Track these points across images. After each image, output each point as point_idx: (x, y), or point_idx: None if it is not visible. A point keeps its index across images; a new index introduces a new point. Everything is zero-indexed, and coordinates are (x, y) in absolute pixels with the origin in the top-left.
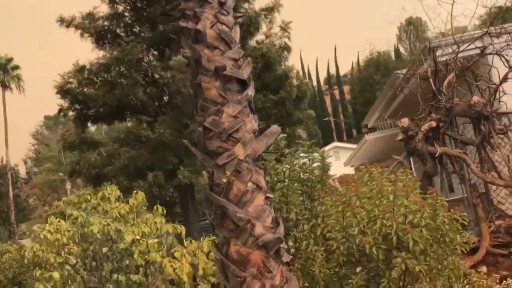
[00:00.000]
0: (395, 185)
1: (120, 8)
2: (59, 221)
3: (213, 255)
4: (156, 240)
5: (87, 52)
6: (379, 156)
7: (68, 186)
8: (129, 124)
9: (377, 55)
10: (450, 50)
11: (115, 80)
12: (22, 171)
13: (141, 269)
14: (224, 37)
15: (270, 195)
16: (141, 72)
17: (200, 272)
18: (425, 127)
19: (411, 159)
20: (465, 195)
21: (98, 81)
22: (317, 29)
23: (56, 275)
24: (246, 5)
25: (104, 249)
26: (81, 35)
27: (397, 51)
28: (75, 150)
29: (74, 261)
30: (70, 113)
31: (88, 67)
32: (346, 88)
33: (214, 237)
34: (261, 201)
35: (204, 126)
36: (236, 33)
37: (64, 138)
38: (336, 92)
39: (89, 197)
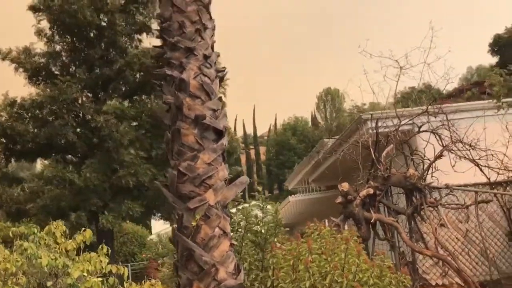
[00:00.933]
0: (347, 244)
1: (58, 47)
2: (4, 250)
3: None
4: (100, 279)
5: (13, 83)
6: (298, 217)
7: None
8: (49, 163)
9: (294, 120)
10: (384, 123)
11: (45, 118)
12: None
13: None
14: (206, 88)
15: (235, 242)
16: (73, 112)
17: None
18: (363, 193)
19: (345, 222)
20: (393, 262)
21: (28, 117)
22: (238, 86)
23: None
24: None
25: (49, 283)
26: (16, 69)
27: (314, 118)
28: None
29: None
30: None
31: (19, 101)
32: (262, 149)
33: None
34: (226, 247)
35: (178, 170)
36: (216, 86)
37: None
38: (252, 152)
39: (35, 230)
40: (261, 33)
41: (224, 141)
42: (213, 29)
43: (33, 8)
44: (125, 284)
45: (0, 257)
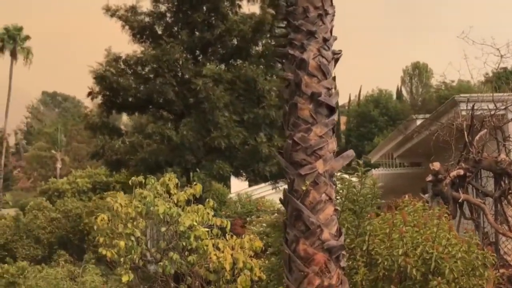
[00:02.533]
0: (439, 219)
1: (163, 8)
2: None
3: (247, 251)
4: (206, 229)
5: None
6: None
7: (59, 165)
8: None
9: (378, 92)
10: (479, 106)
11: (147, 75)
12: (11, 142)
13: (186, 252)
14: (323, 68)
15: (338, 208)
16: (173, 72)
17: (240, 265)
18: (453, 173)
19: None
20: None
21: (130, 72)
22: None
23: (122, 243)
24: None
25: (163, 229)
26: (122, 26)
27: (399, 92)
28: (96, 132)
29: (139, 234)
30: (99, 98)
31: (123, 57)
32: (342, 119)
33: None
34: (331, 212)
35: (293, 140)
36: (332, 66)
37: (87, 118)
38: None
39: (153, 181)
40: (349, 4)
41: (335, 117)
42: (333, 14)
43: None
44: (227, 236)
45: (122, 202)
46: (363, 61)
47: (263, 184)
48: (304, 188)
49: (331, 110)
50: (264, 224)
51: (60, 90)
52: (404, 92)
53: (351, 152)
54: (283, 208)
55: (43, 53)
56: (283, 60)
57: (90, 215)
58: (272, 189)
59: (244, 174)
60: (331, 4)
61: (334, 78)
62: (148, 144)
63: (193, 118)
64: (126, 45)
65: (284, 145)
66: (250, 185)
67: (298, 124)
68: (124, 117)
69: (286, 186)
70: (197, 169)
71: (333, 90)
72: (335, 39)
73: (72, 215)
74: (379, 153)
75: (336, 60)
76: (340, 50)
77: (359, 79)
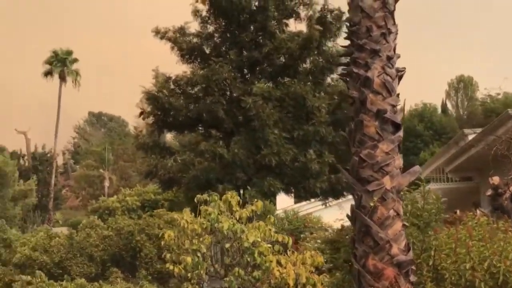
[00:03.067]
0: (506, 233)
1: (211, 28)
2: (191, 213)
3: (309, 266)
4: (269, 245)
5: (141, 55)
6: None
7: (106, 183)
8: (195, 136)
9: (422, 106)
10: None
11: (197, 94)
12: (59, 162)
13: (249, 268)
14: (387, 86)
15: (406, 223)
16: (222, 91)
17: (303, 280)
18: None
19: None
20: None
21: (180, 92)
22: None
23: (188, 259)
24: (330, 44)
25: (227, 245)
26: (172, 48)
27: (444, 106)
28: (147, 151)
29: (204, 250)
30: (150, 117)
31: (173, 78)
32: None
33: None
34: (399, 227)
35: (359, 157)
36: (396, 84)
37: (138, 138)
38: None
39: (216, 198)
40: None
41: (401, 133)
42: (396, 33)
43: None
44: (288, 252)
45: (188, 219)
46: (406, 75)
47: (312, 201)
48: (372, 204)
49: (397, 126)
50: (319, 241)
51: (105, 110)
52: (449, 106)
53: (417, 168)
54: (334, 225)
55: (88, 74)
56: (347, 79)
57: (141, 232)
58: (322, 205)
59: (294, 190)
60: (394, 23)
61: (398, 95)
62: (199, 162)
63: (243, 136)
64: (171, 65)
65: (351, 162)
66: (296, 202)
67: (364, 141)
68: (168, 136)
69: (352, 202)
70: (248, 187)
71: (398, 107)
72: (399, 56)
73: (124, 233)
74: (429, 168)
75: (400, 77)
76: (404, 68)
77: (402, 93)
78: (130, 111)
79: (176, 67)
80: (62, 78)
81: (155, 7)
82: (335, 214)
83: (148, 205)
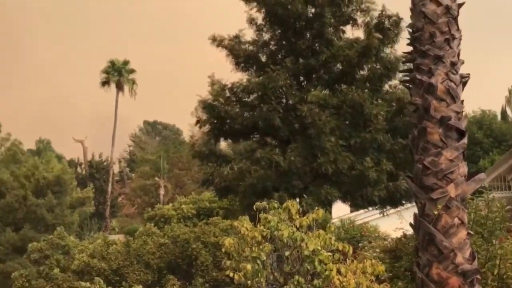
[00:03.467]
0: None
1: (267, 36)
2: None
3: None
4: (329, 253)
5: (193, 63)
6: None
7: (162, 191)
8: (250, 143)
9: (481, 114)
10: None
11: (253, 102)
12: (115, 170)
13: (309, 276)
14: (451, 92)
15: (470, 232)
16: (279, 99)
17: None
18: None
19: None
20: None
21: (235, 100)
22: None
23: (248, 267)
24: (388, 50)
25: (286, 253)
26: (227, 55)
27: (504, 112)
28: (203, 160)
29: (264, 258)
30: (207, 126)
31: (229, 86)
32: None
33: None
34: (464, 236)
35: (423, 164)
36: (460, 90)
37: (194, 147)
38: None
39: (276, 205)
40: None
41: (465, 140)
42: (460, 39)
43: None
44: (347, 261)
45: (248, 227)
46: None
47: (369, 209)
48: (436, 212)
49: (461, 133)
50: (378, 250)
51: (160, 119)
52: (509, 113)
53: (482, 175)
54: (392, 234)
55: (143, 82)
56: (410, 85)
57: (197, 240)
58: (380, 213)
59: (351, 199)
60: (458, 29)
61: (462, 102)
62: (255, 170)
63: (300, 143)
64: (226, 73)
65: (414, 169)
66: (351, 211)
67: (428, 149)
68: (222, 144)
69: (414, 210)
70: (304, 195)
71: (461, 114)
72: (462, 62)
73: (179, 241)
74: (490, 176)
75: (464, 84)
76: (468, 74)
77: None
78: (184, 119)
79: (231, 74)
80: (119, 88)
81: (211, 15)
82: (392, 223)
83: (203, 213)
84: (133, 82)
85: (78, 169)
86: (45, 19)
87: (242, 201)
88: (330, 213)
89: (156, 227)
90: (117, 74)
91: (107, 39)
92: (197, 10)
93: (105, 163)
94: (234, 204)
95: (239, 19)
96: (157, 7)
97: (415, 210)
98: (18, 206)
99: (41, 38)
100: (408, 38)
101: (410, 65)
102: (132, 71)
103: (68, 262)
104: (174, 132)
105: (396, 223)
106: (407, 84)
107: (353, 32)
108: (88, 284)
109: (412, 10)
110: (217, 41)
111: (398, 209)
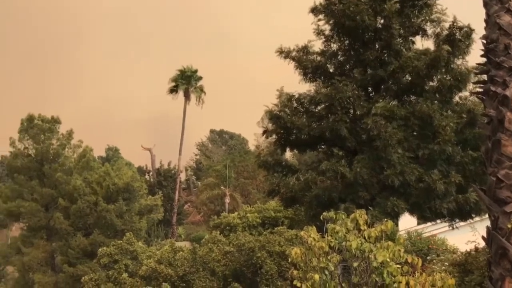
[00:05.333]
0: None
1: (335, 46)
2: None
3: None
4: (398, 266)
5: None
6: None
7: (227, 200)
8: (316, 154)
9: None
10: None
11: (320, 113)
12: (182, 178)
13: None
14: None
15: None
16: (346, 109)
17: None
18: None
19: None
20: None
21: (303, 111)
22: None
23: (316, 277)
24: (459, 61)
25: (355, 264)
26: (296, 67)
27: None
28: (269, 170)
29: (332, 268)
30: (274, 136)
31: (296, 97)
32: None
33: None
34: None
35: (496, 177)
36: None
37: (260, 157)
38: None
39: (343, 216)
40: None
41: None
42: None
43: (315, 10)
44: (416, 274)
45: (315, 237)
46: None
47: (437, 222)
48: (509, 226)
49: None
50: (446, 263)
51: (226, 128)
52: None
53: None
54: (462, 247)
55: (209, 91)
56: (483, 97)
57: (262, 249)
58: (449, 226)
59: (418, 211)
60: None
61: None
62: (321, 181)
63: (367, 154)
64: (292, 84)
65: (488, 182)
66: (418, 223)
67: (502, 161)
68: (287, 155)
69: (488, 224)
70: (370, 207)
71: None
72: None
73: (245, 249)
74: None
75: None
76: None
77: None
78: (249, 129)
79: (297, 85)
80: (187, 96)
81: (278, 26)
82: (460, 236)
83: (268, 222)
84: (201, 90)
85: (147, 176)
86: (113, 27)
87: (308, 212)
88: (397, 225)
89: (221, 235)
90: (186, 83)
91: (174, 47)
92: (266, 21)
93: (172, 171)
94: (299, 214)
95: (306, 30)
96: (226, 17)
97: (487, 223)
98: (89, 212)
99: (104, 45)
100: (482, 50)
101: (483, 77)
102: (199, 79)
103: (136, 267)
104: (240, 141)
105: (465, 236)
106: (480, 96)
107: (422, 43)
108: None
109: (486, 21)
110: (284, 53)
111: (468, 222)
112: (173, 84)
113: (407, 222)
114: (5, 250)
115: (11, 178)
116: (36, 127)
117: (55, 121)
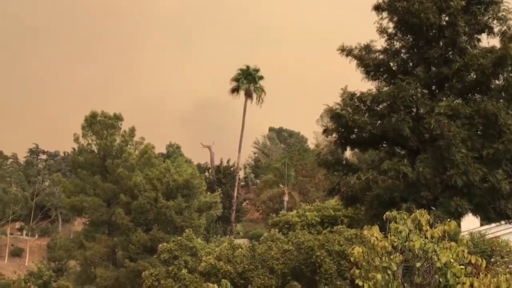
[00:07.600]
0: None
1: (398, 44)
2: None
3: None
4: (461, 266)
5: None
6: None
7: (286, 198)
8: (377, 153)
9: None
10: None
11: (382, 112)
12: (240, 176)
13: None
14: None
15: None
16: (408, 108)
17: None
18: None
19: None
20: None
21: (364, 109)
22: None
23: (378, 276)
24: None
25: (418, 264)
26: (358, 65)
27: None
28: (329, 168)
29: (395, 268)
30: (334, 134)
31: (358, 95)
32: None
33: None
34: None
35: None
36: None
37: (319, 155)
38: None
39: (405, 216)
40: None
41: None
42: None
43: (378, 8)
44: (480, 275)
45: (378, 236)
46: None
47: (502, 223)
48: None
49: None
50: (511, 266)
51: (285, 126)
52: None
53: None
54: None
55: (269, 90)
56: None
57: (321, 248)
58: None
59: (482, 212)
60: None
61: None
62: (383, 180)
63: (429, 154)
64: (353, 82)
65: None
66: (481, 224)
67: None
68: (347, 153)
69: None
70: (432, 207)
71: None
72: None
73: (303, 248)
74: None
75: None
76: None
77: None
78: (308, 127)
79: (359, 83)
80: (248, 95)
81: (340, 24)
82: None
83: (327, 221)
84: (262, 89)
85: (206, 173)
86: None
87: (368, 211)
88: (459, 225)
89: (280, 233)
90: (247, 82)
91: (235, 45)
92: (327, 19)
93: (231, 169)
94: (359, 213)
95: (368, 28)
96: (286, 15)
97: None
98: (149, 208)
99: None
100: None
101: None
102: (261, 78)
103: (196, 263)
104: (299, 139)
105: None
106: None
107: (488, 41)
108: (215, 286)
109: None
110: (346, 51)
111: None
112: (235, 84)
113: (469, 223)
114: (68, 245)
115: (75, 173)
116: (99, 124)
117: (117, 118)
